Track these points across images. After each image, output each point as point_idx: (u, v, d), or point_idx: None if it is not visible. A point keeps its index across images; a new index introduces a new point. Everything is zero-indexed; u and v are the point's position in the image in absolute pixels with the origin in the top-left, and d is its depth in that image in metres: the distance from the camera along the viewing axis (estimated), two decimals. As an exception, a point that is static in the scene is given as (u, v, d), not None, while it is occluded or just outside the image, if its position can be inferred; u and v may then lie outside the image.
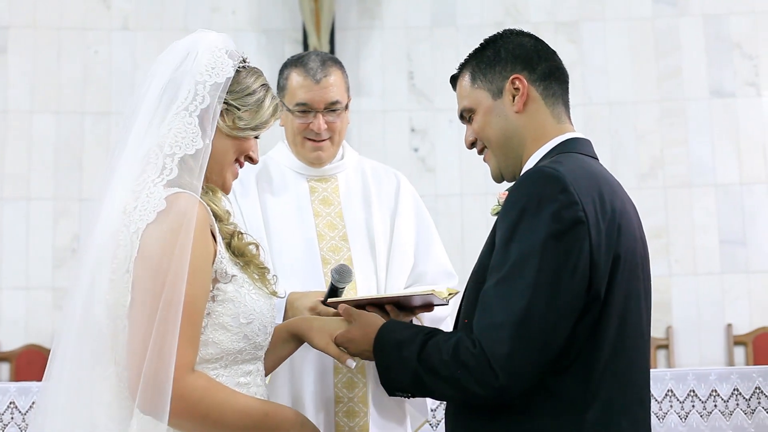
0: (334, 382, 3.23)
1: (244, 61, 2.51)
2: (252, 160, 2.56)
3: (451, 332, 2.37)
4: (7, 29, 7.72)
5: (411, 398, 2.54)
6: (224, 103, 2.43)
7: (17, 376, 7.07)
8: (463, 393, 2.27)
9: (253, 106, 2.48)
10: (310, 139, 3.41)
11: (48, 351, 7.09)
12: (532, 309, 2.19)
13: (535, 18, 7.93)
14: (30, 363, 7.14)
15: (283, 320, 3.02)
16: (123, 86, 7.70)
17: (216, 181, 2.48)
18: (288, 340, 2.76)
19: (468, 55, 2.64)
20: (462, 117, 2.64)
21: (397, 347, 2.41)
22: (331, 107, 3.38)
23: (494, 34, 2.65)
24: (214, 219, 2.40)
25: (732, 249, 7.65)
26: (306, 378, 3.21)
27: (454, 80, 2.68)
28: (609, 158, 7.76)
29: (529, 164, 2.49)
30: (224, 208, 2.49)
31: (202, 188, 2.40)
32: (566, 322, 2.22)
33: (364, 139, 7.42)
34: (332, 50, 7.52)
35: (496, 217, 2.43)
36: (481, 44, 2.64)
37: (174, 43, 2.50)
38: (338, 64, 3.46)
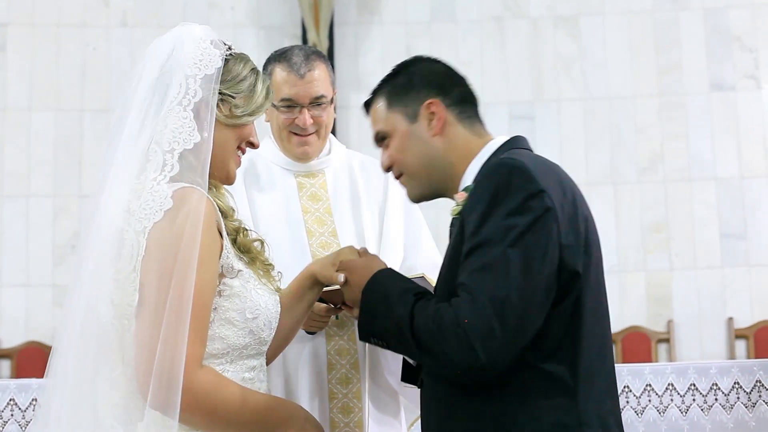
0: (328, 378, 3.23)
1: (230, 48, 2.52)
2: (253, 145, 2.57)
3: (436, 302, 2.39)
4: (5, 26, 7.72)
5: (385, 348, 2.58)
6: (219, 93, 2.43)
7: (18, 373, 7.07)
8: (442, 365, 2.34)
9: (246, 91, 2.49)
10: (296, 134, 3.38)
11: (48, 348, 7.09)
12: (509, 294, 2.25)
13: (534, 12, 7.93)
14: (30, 360, 7.14)
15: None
16: (122, 83, 7.69)
17: (220, 172, 2.49)
18: (312, 287, 2.81)
19: (380, 81, 2.69)
20: (377, 140, 2.69)
21: (385, 299, 2.47)
22: (316, 101, 3.36)
23: (405, 61, 2.72)
24: (220, 214, 2.41)
25: (732, 243, 7.65)
26: (301, 373, 3.21)
27: (367, 106, 2.73)
28: (609, 153, 7.76)
29: (470, 171, 2.54)
30: (228, 204, 2.50)
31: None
32: (541, 307, 2.29)
33: (363, 134, 7.42)
34: (331, 46, 7.52)
35: (455, 217, 2.50)
36: (392, 70, 2.70)
37: (157, 40, 2.50)
38: (322, 57, 3.45)
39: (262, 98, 2.52)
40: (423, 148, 2.58)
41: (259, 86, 2.52)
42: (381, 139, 2.68)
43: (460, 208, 2.48)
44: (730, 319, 7.55)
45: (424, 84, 2.62)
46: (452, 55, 8.00)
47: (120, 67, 7.74)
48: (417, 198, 2.69)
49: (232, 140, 2.50)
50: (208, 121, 2.39)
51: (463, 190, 2.52)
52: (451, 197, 2.59)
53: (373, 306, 2.50)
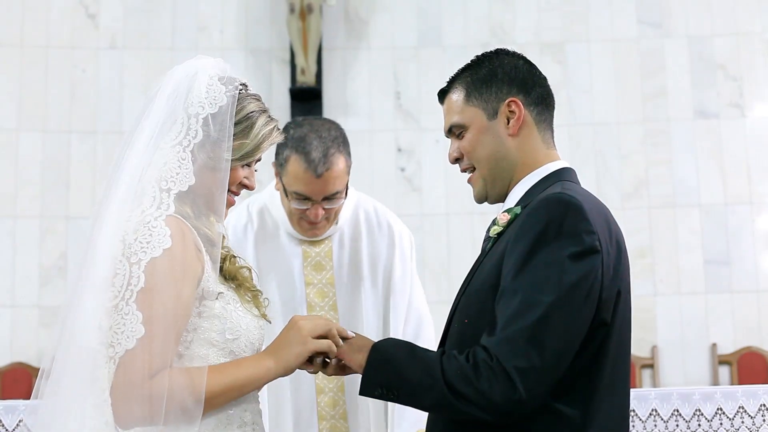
0: (317, 401, 3.23)
1: (244, 86, 2.47)
2: (248, 187, 2.52)
3: (449, 348, 2.35)
4: (-6, 47, 7.73)
5: (390, 399, 2.37)
6: (209, 134, 2.38)
7: (3, 394, 7.04)
8: (477, 407, 2.22)
9: (240, 135, 2.44)
10: (305, 220, 3.31)
11: (34, 369, 7.05)
12: (549, 327, 2.21)
13: (521, 39, 7.98)
14: (16, 381, 7.12)
15: None
16: (110, 105, 7.71)
17: (210, 209, 2.45)
18: None
19: (460, 70, 2.59)
20: (450, 132, 2.58)
21: (403, 347, 2.39)
22: (330, 197, 3.27)
23: (487, 53, 2.61)
24: (201, 241, 2.39)
25: (716, 269, 7.69)
26: (289, 395, 3.21)
27: (442, 94, 2.62)
28: (593, 178, 7.80)
29: (518, 188, 2.48)
30: (218, 231, 2.46)
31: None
32: (575, 345, 2.26)
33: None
34: (319, 70, 7.55)
35: (492, 237, 2.45)
36: (474, 61, 2.60)
37: (173, 69, 2.47)
38: (341, 148, 3.31)
39: (256, 143, 2.46)
40: (496, 146, 2.49)
41: (255, 131, 2.46)
42: (454, 130, 2.56)
43: (500, 229, 2.42)
44: (714, 344, 7.58)
45: (507, 80, 2.51)
46: (439, 80, 8.02)
47: (108, 89, 7.75)
48: (480, 197, 2.57)
49: None
50: (212, 160, 2.38)
51: (506, 211, 2.45)
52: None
53: (389, 354, 2.35)
